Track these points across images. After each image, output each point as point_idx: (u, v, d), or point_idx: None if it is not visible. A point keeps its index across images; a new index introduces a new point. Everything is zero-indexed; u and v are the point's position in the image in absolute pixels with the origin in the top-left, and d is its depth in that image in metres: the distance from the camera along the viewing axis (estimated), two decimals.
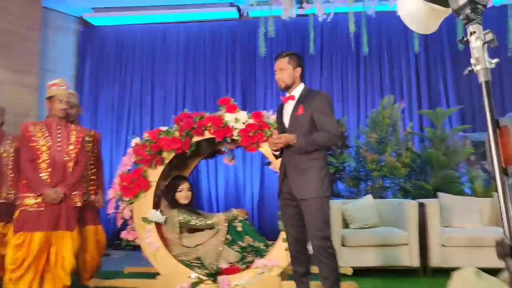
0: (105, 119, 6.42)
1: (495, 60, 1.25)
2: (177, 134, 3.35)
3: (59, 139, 3.28)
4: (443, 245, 3.97)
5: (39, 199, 3.15)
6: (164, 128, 3.43)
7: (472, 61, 1.28)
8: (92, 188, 3.78)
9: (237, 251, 3.45)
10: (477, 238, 3.89)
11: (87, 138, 3.77)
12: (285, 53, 2.86)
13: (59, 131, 3.31)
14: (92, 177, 3.80)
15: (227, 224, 3.51)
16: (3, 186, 3.89)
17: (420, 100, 6.02)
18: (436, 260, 3.98)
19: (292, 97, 2.81)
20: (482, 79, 1.25)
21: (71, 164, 3.29)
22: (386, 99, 5.26)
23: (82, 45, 6.59)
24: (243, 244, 3.48)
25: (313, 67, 6.18)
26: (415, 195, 4.84)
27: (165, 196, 3.65)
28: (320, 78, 6.16)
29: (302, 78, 2.87)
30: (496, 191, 1.15)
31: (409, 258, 3.99)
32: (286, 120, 2.81)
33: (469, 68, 1.31)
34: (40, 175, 3.18)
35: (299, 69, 2.83)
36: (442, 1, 1.34)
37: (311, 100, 2.73)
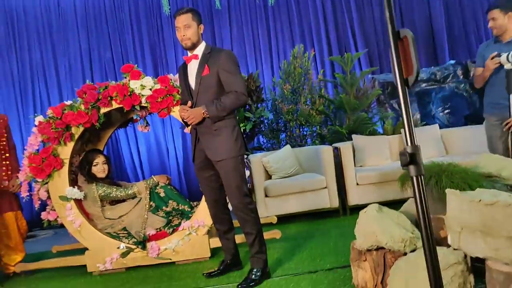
0: (7, 96, 5.93)
1: None
2: (82, 107, 3.22)
3: None
4: (358, 184, 4.27)
5: None
6: (68, 103, 3.28)
7: None
8: (5, 173, 3.58)
9: (162, 216, 3.48)
10: (387, 174, 4.20)
11: None
12: (187, 8, 2.77)
13: None
14: (5, 162, 3.59)
15: (148, 192, 3.52)
16: None
17: (330, 47, 6.20)
18: (352, 199, 4.29)
19: (195, 57, 2.75)
20: None
21: None
22: (296, 48, 5.36)
23: None
24: (168, 209, 3.52)
25: (222, 23, 6.09)
26: (332, 140, 5.10)
27: (81, 171, 3.57)
28: (230, 34, 6.10)
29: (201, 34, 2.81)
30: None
31: (329, 200, 4.26)
32: (192, 81, 2.76)
33: None
34: None
35: (202, 26, 2.78)
36: None
37: (215, 58, 2.68)
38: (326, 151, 4.29)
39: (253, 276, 2.73)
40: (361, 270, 2.21)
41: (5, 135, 3.63)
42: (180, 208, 3.54)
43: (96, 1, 5.99)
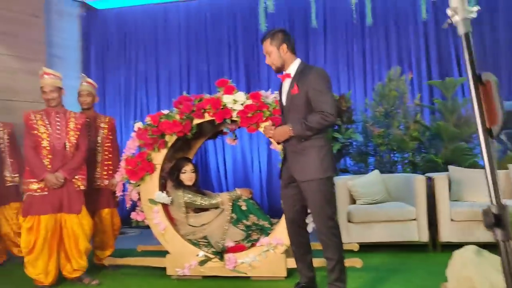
0: (113, 102, 6.48)
1: (476, 8, 1.12)
2: (177, 117, 3.38)
3: (58, 127, 3.35)
4: (452, 220, 3.93)
5: (42, 184, 3.26)
6: (165, 112, 3.46)
7: (449, 12, 1.15)
8: (106, 172, 3.88)
9: (242, 229, 3.50)
10: None
11: (102, 125, 3.88)
12: (267, 34, 2.77)
13: (58, 119, 3.38)
14: (107, 162, 3.90)
15: (231, 204, 3.56)
16: (5, 171, 4.12)
17: (430, 70, 5.83)
18: (445, 235, 3.94)
19: (288, 75, 2.73)
20: (461, 30, 1.14)
21: (71, 150, 3.36)
22: (392, 70, 5.15)
23: (86, 30, 6.58)
24: (248, 223, 3.54)
25: (317, 41, 6.05)
26: (425, 168, 4.79)
27: (170, 177, 3.71)
28: (324, 52, 6.03)
29: (294, 52, 2.76)
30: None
31: (418, 233, 3.96)
32: (284, 98, 2.75)
33: (448, 21, 1.19)
34: (42, 161, 3.28)
35: (284, 46, 2.70)
36: None
37: (305, 77, 2.63)
38: (419, 180, 4.01)
39: None
40: None
41: (110, 137, 3.94)
42: (260, 223, 3.53)
43: (198, 16, 6.33)
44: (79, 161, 3.38)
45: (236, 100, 3.24)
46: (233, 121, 3.47)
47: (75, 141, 3.38)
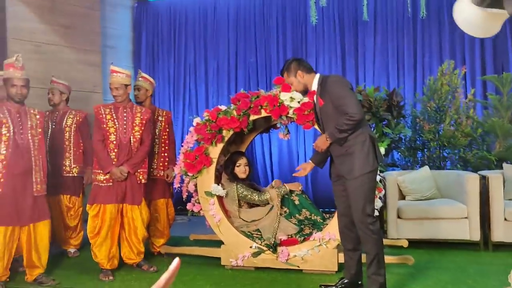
0: (163, 92, 6.66)
1: None
2: (235, 113, 3.47)
3: (125, 122, 3.52)
4: (506, 219, 3.87)
5: (108, 176, 3.45)
6: (223, 108, 3.56)
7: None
8: (162, 164, 4.03)
9: (294, 223, 3.59)
10: None
11: (160, 118, 4.05)
12: (282, 69, 3.10)
13: (125, 114, 3.54)
14: (164, 154, 4.06)
15: (280, 200, 3.63)
16: (66, 160, 4.12)
17: (484, 65, 5.65)
18: (498, 234, 3.90)
19: (313, 92, 2.99)
20: None
21: (136, 144, 3.53)
22: (445, 64, 5.04)
23: (138, 21, 6.77)
24: (301, 217, 3.62)
25: (367, 35, 5.96)
26: (476, 166, 4.71)
27: (225, 170, 3.83)
28: (374, 44, 5.96)
29: (311, 70, 3.02)
30: None
31: (469, 232, 3.95)
32: (318, 112, 3.00)
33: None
34: (109, 155, 3.46)
35: (300, 72, 2.98)
36: (498, 4, 1.26)
37: (325, 88, 2.88)
38: (472, 179, 3.97)
39: None
40: None
41: (167, 130, 4.09)
42: (313, 218, 3.61)
43: (247, 8, 6.37)
44: (142, 156, 3.55)
45: (293, 98, 3.29)
46: (288, 117, 3.54)
47: (140, 136, 3.54)
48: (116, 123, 3.50)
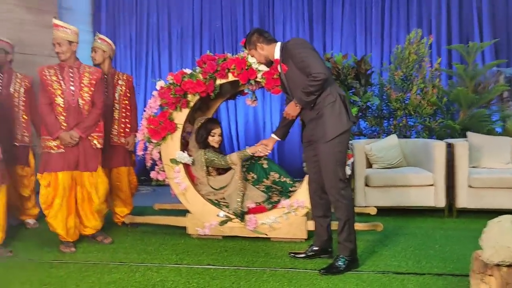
0: (124, 57, 6.32)
1: None
2: (201, 76, 3.29)
3: (72, 82, 3.24)
4: (470, 186, 3.94)
5: (58, 142, 3.20)
6: (188, 71, 3.36)
7: None
8: (123, 130, 3.82)
9: (262, 191, 3.51)
10: (506, 180, 3.84)
11: (120, 82, 3.79)
12: (245, 43, 3.03)
13: (71, 74, 3.26)
14: (125, 119, 3.84)
15: (240, 164, 3.49)
16: (17, 128, 3.87)
17: (450, 34, 5.68)
18: (461, 201, 3.98)
19: (276, 61, 2.91)
20: None
21: (86, 107, 3.27)
22: (413, 33, 5.01)
23: None
24: (268, 182, 3.54)
25: (335, 2, 5.86)
26: (441, 134, 4.76)
27: (197, 137, 3.64)
28: (341, 13, 5.85)
29: (271, 41, 2.92)
30: None
31: (434, 199, 4.00)
32: (284, 80, 2.91)
33: None
34: (57, 119, 3.19)
35: (259, 44, 2.93)
36: None
37: (286, 54, 2.79)
38: (439, 146, 4.00)
39: (337, 263, 2.70)
40: (485, 284, 2.03)
41: (128, 95, 3.85)
42: (282, 180, 3.54)
43: None
44: (94, 119, 3.28)
45: None
46: (256, 82, 3.40)
47: (89, 98, 3.27)
48: (63, 84, 3.20)
